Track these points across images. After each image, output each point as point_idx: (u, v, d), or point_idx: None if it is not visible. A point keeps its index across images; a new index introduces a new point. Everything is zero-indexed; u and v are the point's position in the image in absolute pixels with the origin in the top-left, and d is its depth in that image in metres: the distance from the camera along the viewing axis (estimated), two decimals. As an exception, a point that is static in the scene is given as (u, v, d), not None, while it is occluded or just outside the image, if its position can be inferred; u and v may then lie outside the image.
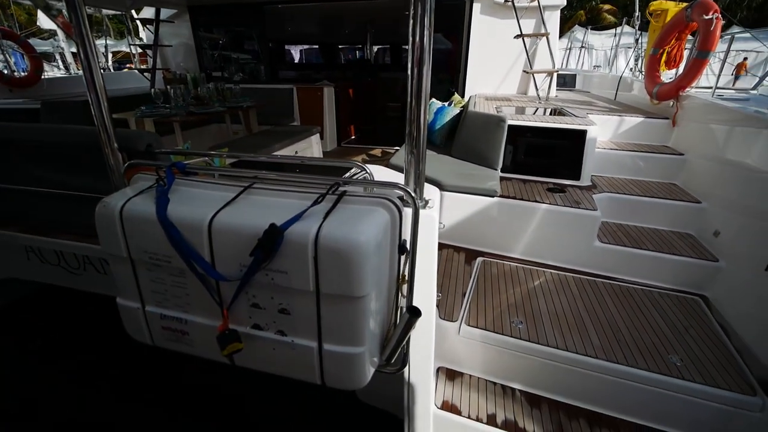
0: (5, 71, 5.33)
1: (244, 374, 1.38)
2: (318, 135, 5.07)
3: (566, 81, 6.93)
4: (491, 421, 1.90)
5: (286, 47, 9.41)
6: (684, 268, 2.51)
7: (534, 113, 3.85)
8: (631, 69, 5.68)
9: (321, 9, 6.15)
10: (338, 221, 1.09)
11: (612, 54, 7.24)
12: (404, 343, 1.32)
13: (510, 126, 3.16)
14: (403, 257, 1.29)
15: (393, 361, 1.36)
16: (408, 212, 1.23)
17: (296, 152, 4.58)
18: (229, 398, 2.64)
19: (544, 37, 4.45)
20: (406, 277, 1.31)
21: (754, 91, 4.23)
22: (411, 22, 1.09)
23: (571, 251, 2.72)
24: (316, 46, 9.79)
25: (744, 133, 2.59)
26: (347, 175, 1.54)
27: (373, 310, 1.16)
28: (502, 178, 3.08)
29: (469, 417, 1.92)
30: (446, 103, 4.01)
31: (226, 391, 2.68)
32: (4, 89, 4.89)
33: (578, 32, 11.98)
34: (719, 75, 3.55)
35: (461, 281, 2.50)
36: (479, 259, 2.79)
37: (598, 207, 2.66)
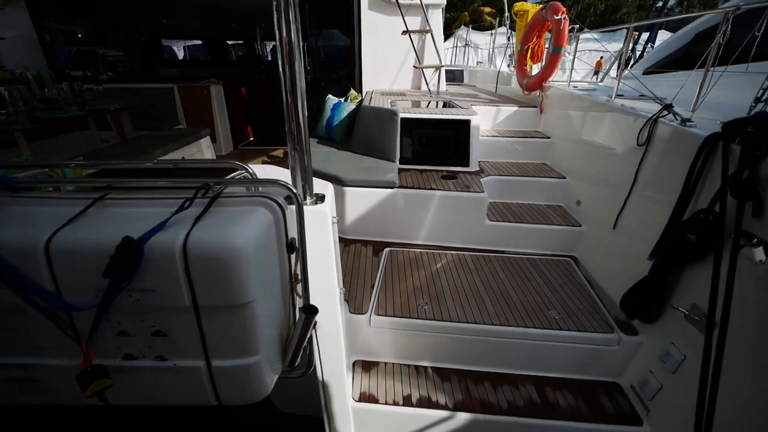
0: None
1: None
2: (208, 138, 4.67)
3: (455, 76, 7.47)
4: (407, 402, 1.97)
5: (165, 42, 8.50)
6: (557, 235, 2.90)
7: (427, 106, 4.06)
8: (508, 65, 6.35)
9: (200, 0, 5.66)
10: (210, 226, 1.00)
11: (491, 51, 8.00)
12: (306, 343, 1.28)
13: (403, 119, 3.28)
14: (293, 256, 1.25)
15: (298, 364, 1.32)
16: (294, 209, 1.20)
17: (183, 158, 4.17)
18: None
19: (429, 34, 4.72)
20: (299, 276, 1.27)
21: (601, 83, 5.05)
22: (275, 16, 1.05)
23: (466, 231, 2.94)
24: (200, 42, 9.02)
25: (594, 117, 3.07)
26: (231, 177, 1.43)
27: (263, 315, 1.09)
28: (401, 170, 3.20)
29: (386, 403, 1.97)
30: (342, 99, 4.02)
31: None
32: None
33: (463, 32, 13.02)
34: (571, 69, 4.15)
35: (370, 274, 2.54)
36: (386, 250, 2.87)
37: (485, 189, 2.92)
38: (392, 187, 2.85)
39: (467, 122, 3.26)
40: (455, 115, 3.31)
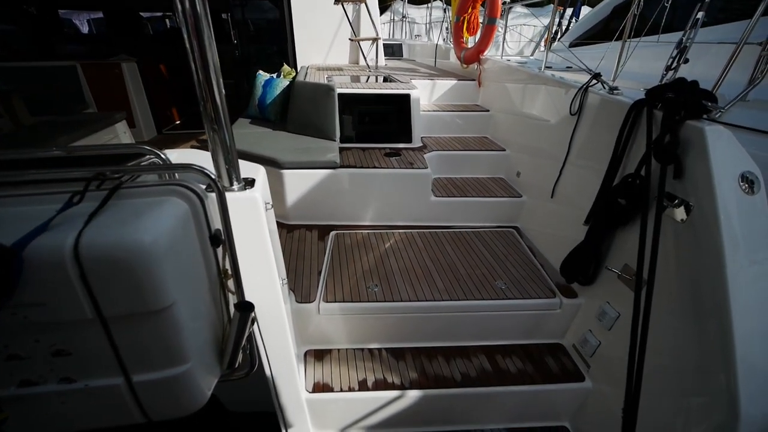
0: None
1: None
2: (124, 122, 4.15)
3: (394, 50, 7.31)
4: (362, 386, 1.94)
5: (62, 14, 7.38)
6: (500, 206, 2.97)
7: (366, 81, 3.91)
8: (444, 39, 6.31)
9: None
10: (109, 222, 0.85)
11: (428, 24, 7.92)
12: (244, 342, 1.18)
13: (342, 95, 3.13)
14: (219, 250, 1.11)
15: (239, 364, 1.22)
16: (228, 194, 1.09)
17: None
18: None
19: (363, 5, 4.51)
20: (229, 271, 1.15)
21: (532, 57, 5.19)
22: None
23: (412, 209, 2.91)
24: (108, 13, 7.94)
25: (529, 89, 3.12)
26: (136, 163, 1.23)
27: (189, 318, 0.97)
28: (342, 149, 3.06)
29: (341, 390, 1.92)
30: (274, 75, 3.73)
31: None
32: None
33: (399, 5, 12.79)
34: (503, 42, 4.19)
35: (316, 260, 2.43)
36: (332, 233, 2.76)
37: (429, 165, 2.89)
38: (334, 167, 2.72)
39: (407, 96, 3.18)
40: (395, 90, 3.21)
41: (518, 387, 1.95)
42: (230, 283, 1.17)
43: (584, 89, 2.22)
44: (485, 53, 3.89)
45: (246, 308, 1.08)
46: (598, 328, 1.95)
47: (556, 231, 2.48)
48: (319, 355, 2.11)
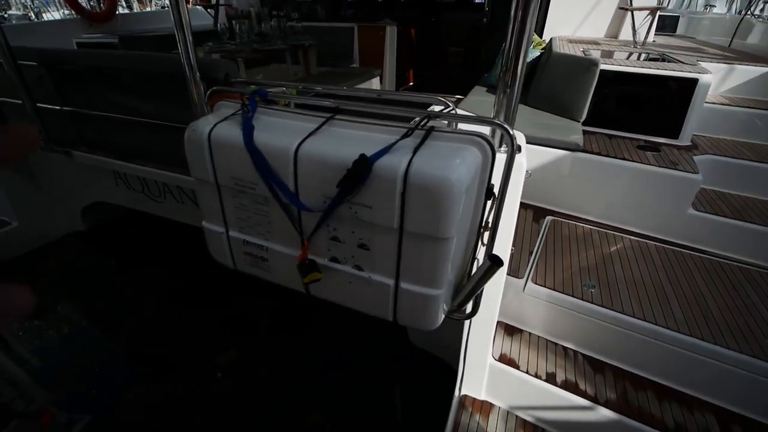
0: (86, 6, 5.49)
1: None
2: (378, 78, 4.85)
3: (665, 24, 5.93)
4: (551, 379, 1.86)
5: None
6: None
7: (637, 58, 3.34)
8: (751, 11, 4.69)
9: None
10: (428, 157, 1.01)
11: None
12: (479, 291, 1.28)
13: (604, 72, 2.77)
14: (489, 203, 1.21)
15: (463, 309, 1.34)
16: (498, 155, 1.13)
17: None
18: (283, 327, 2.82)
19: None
20: (490, 225, 1.24)
21: None
22: None
23: (657, 218, 2.44)
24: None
25: None
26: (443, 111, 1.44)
27: (454, 254, 1.11)
28: (585, 132, 2.77)
29: (527, 372, 1.88)
30: (524, 45, 3.59)
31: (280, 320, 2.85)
32: (85, 24, 5.07)
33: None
34: None
35: (528, 238, 2.36)
36: (548, 218, 2.61)
37: (699, 171, 2.32)
38: (574, 150, 2.50)
39: (693, 82, 2.56)
40: (677, 72, 2.63)
41: None
42: (485, 235, 1.26)
43: None
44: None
45: (496, 262, 1.14)
46: None
47: None
48: (509, 330, 2.11)
